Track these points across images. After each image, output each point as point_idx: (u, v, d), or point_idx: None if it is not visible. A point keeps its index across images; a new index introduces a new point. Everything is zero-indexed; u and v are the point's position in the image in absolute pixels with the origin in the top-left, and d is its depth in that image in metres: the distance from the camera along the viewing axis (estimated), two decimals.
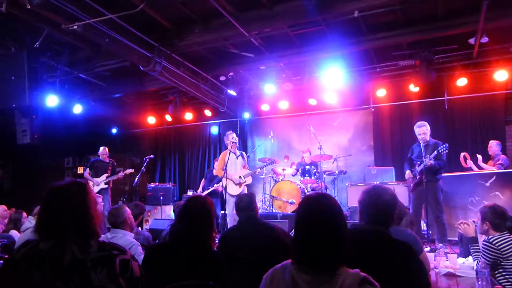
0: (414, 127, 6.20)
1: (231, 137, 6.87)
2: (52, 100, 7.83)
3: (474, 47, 6.98)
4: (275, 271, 1.74)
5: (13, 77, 6.19)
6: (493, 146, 6.95)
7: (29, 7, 4.90)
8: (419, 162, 5.98)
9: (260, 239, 3.09)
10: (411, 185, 6.23)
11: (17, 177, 12.96)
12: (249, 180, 6.85)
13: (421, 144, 5.94)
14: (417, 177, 5.97)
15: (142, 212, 4.43)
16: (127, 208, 3.64)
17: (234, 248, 3.02)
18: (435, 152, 5.76)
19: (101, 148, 8.72)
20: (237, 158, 6.86)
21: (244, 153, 7.12)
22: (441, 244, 5.45)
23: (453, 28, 6.42)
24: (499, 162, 6.68)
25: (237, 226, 3.45)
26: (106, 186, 8.36)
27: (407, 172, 6.33)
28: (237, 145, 6.98)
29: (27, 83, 6.13)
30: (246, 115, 10.26)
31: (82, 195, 1.80)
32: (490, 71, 7.77)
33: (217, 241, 3.34)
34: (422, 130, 6.03)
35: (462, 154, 6.92)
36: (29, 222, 4.65)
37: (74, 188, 1.81)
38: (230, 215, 6.61)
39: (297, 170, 8.34)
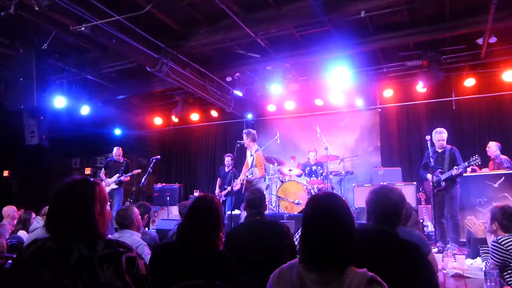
0: (433, 133, 6.14)
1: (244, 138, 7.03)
2: (59, 101, 7.88)
3: (482, 47, 6.91)
4: (282, 270, 1.74)
5: (21, 79, 6.24)
6: (492, 146, 6.89)
7: (37, 9, 4.94)
8: (440, 170, 5.95)
9: (267, 237, 3.07)
10: (434, 190, 6.01)
11: (25, 178, 13.04)
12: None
13: (437, 150, 5.97)
14: (443, 184, 5.90)
15: (147, 211, 4.43)
16: (135, 209, 3.65)
17: (240, 247, 3.00)
18: (466, 163, 5.80)
19: (115, 149, 8.76)
20: (251, 156, 7.04)
21: (258, 150, 7.15)
22: (448, 245, 5.43)
23: (460, 28, 6.38)
24: (505, 165, 6.62)
25: (244, 224, 3.41)
26: (117, 186, 8.34)
27: (429, 175, 6.07)
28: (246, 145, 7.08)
29: (35, 85, 6.18)
30: (250, 116, 10.29)
31: (87, 194, 1.78)
32: (498, 71, 7.71)
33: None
34: (442, 136, 6.04)
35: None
36: (37, 222, 4.67)
37: (80, 187, 1.80)
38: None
39: (303, 171, 8.32)
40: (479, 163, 5.87)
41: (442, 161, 6.01)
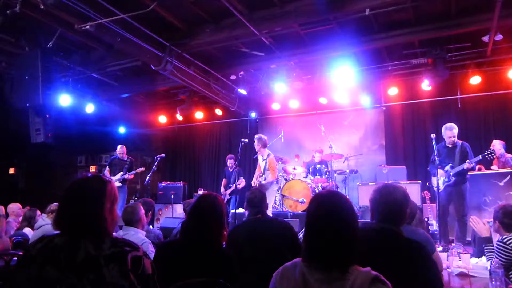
0: (443, 129, 6.14)
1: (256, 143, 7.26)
2: (65, 99, 7.93)
3: (488, 45, 6.86)
4: (285, 269, 1.74)
5: (26, 77, 6.26)
6: (497, 145, 6.83)
7: (42, 7, 4.97)
8: (451, 164, 5.97)
9: (268, 235, 3.07)
10: (444, 185, 6.03)
11: (31, 176, 13.12)
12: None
13: (447, 145, 5.99)
14: (452, 180, 5.93)
15: (150, 208, 4.43)
16: (142, 207, 3.66)
17: (241, 245, 3.00)
18: (479, 156, 5.79)
19: (119, 147, 8.79)
20: (263, 161, 7.26)
21: (270, 155, 7.29)
22: (453, 244, 5.41)
23: (466, 26, 6.33)
24: (511, 163, 6.58)
25: (245, 223, 3.40)
26: (121, 184, 8.37)
27: (441, 171, 6.00)
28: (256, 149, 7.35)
29: (41, 83, 6.19)
30: (254, 114, 10.31)
31: (99, 192, 1.78)
32: (504, 69, 7.65)
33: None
34: (453, 133, 6.02)
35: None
36: (43, 219, 4.69)
37: (92, 184, 1.80)
38: None
39: (307, 170, 8.32)
40: (493, 157, 5.85)
41: (453, 156, 6.00)
